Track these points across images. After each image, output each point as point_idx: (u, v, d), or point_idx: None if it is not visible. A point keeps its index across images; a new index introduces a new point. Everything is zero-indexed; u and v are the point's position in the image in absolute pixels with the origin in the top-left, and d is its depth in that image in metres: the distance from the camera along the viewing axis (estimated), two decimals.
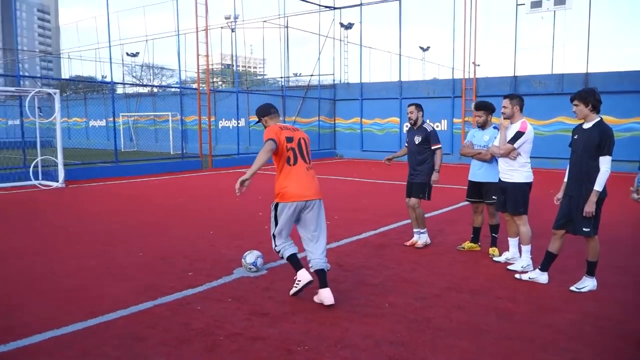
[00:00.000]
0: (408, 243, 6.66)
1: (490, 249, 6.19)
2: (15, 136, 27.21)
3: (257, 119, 4.95)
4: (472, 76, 20.28)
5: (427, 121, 6.71)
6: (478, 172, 6.19)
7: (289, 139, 4.55)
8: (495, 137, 5.84)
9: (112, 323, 4.03)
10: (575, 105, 4.80)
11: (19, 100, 14.03)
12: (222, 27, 29.61)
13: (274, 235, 4.61)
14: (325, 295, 4.43)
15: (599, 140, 4.62)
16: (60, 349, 3.57)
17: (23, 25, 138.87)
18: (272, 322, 4.09)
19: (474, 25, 20.15)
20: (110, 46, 16.36)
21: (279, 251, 4.62)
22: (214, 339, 3.74)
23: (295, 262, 4.58)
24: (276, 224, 4.57)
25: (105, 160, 16.34)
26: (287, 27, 25.11)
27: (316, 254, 4.53)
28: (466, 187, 6.40)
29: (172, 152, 26.47)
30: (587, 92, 4.76)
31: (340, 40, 26.58)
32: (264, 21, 26.93)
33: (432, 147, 6.41)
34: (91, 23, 36.09)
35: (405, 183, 6.71)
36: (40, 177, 13.01)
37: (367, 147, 23.45)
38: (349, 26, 27.75)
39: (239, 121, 23.07)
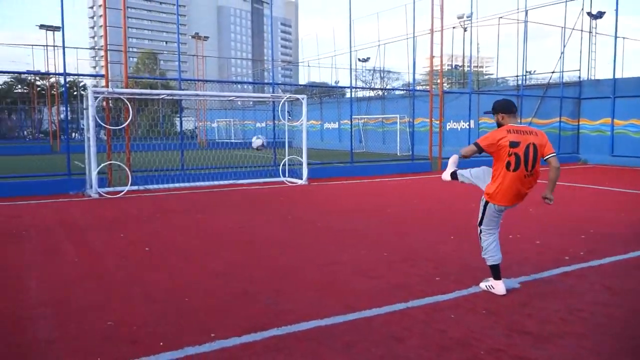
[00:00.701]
0: None
1: None
2: (264, 137, 31.01)
3: (491, 112, 4.78)
4: None
5: None
6: None
7: (514, 144, 4.39)
8: None
9: (370, 320, 4.11)
10: None
11: (270, 105, 15.75)
12: (454, 27, 29.13)
13: (480, 225, 4.87)
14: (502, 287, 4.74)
15: None
16: (325, 339, 3.74)
17: (269, 38, 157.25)
18: (536, 342, 3.71)
19: None
20: (350, 51, 17.34)
21: (486, 248, 4.79)
22: (474, 352, 3.53)
23: (497, 271, 4.76)
24: (482, 217, 4.82)
25: (341, 161, 17.36)
26: (526, 21, 23.49)
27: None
28: None
29: (398, 154, 26.99)
30: None
31: (589, 32, 23.87)
32: (500, 17, 25.65)
33: None
34: (328, 33, 39.22)
35: None
36: (287, 174, 14.40)
37: (619, 152, 20.56)
38: (598, 15, 24.79)
39: (469, 123, 22.37)
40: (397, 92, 34.01)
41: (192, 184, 13.21)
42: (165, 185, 12.75)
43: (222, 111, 44.49)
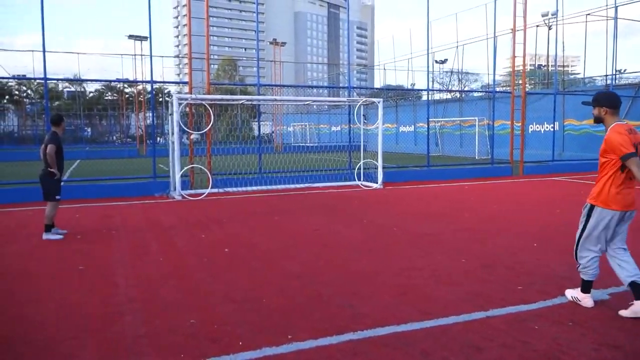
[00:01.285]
0: None
1: None
2: (339, 140, 31.21)
3: (593, 104, 4.41)
4: None
5: None
6: None
7: (635, 146, 4.15)
8: None
9: (448, 328, 4.01)
10: None
11: (347, 109, 15.80)
12: (537, 26, 27.93)
13: (579, 239, 4.48)
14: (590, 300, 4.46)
15: None
16: (401, 345, 3.70)
17: (345, 42, 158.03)
18: (627, 357, 3.47)
19: None
20: (428, 53, 17.06)
21: (582, 265, 4.48)
22: None
23: (589, 286, 4.50)
24: (584, 229, 4.41)
25: (417, 165, 17.12)
26: (616, 17, 22.10)
27: (632, 265, 4.31)
28: None
29: (477, 157, 26.22)
30: None
31: None
32: (587, 14, 24.30)
33: None
34: (405, 35, 38.74)
35: None
36: (362, 178, 14.39)
37: None
38: None
39: (553, 125, 21.34)
40: (475, 94, 33.01)
41: (269, 187, 13.52)
42: (244, 188, 13.13)
43: (298, 115, 45.22)
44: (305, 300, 4.75)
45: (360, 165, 14.48)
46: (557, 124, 23.47)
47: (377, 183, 13.85)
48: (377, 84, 47.38)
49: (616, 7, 22.16)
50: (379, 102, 13.82)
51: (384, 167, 14.62)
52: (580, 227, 4.46)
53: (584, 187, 13.60)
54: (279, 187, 13.59)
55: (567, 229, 7.87)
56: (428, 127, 16.62)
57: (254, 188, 13.36)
